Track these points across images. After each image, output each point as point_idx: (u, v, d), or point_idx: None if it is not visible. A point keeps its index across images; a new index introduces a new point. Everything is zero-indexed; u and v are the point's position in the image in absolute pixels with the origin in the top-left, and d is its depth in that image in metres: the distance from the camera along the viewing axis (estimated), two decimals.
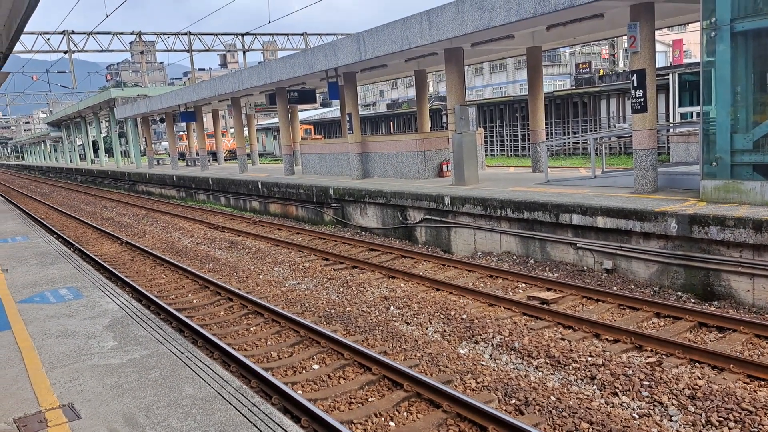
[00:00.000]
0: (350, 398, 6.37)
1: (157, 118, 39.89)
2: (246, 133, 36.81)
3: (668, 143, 19.57)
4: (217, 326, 9.15)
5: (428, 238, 14.31)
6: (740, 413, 5.44)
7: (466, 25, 12.78)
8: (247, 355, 7.61)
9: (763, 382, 6.12)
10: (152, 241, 17.41)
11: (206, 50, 41.18)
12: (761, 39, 9.29)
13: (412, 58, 17.84)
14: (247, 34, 42.90)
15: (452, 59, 15.09)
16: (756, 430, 5.18)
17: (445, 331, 8.24)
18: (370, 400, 6.31)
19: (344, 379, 6.88)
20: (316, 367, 7.28)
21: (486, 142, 34.01)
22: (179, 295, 11.12)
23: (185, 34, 40.73)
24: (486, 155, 32.20)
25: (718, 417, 5.44)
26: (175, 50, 40.72)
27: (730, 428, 5.28)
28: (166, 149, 68.34)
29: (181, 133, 55.35)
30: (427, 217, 14.18)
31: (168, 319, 9.32)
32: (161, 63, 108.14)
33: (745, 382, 6.16)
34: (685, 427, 5.39)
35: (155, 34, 40.62)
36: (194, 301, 10.60)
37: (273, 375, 6.88)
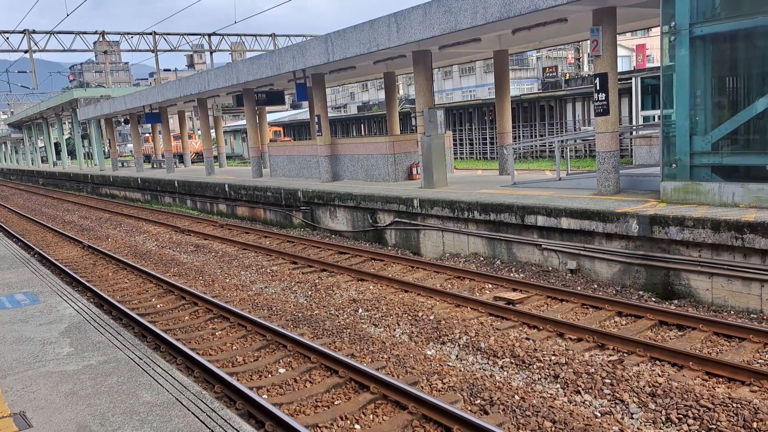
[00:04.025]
0: (316, 402, 6.32)
1: (122, 120, 39.13)
2: (213, 134, 36.38)
3: (631, 146, 19.97)
4: (181, 331, 8.98)
5: (398, 240, 14.31)
6: (699, 410, 5.54)
7: (433, 28, 12.83)
8: (212, 360, 7.49)
9: (721, 379, 6.26)
10: (115, 244, 17.05)
11: (172, 50, 40.60)
12: (719, 43, 9.53)
13: (380, 60, 17.85)
14: (214, 34, 42.43)
15: (420, 62, 15.14)
16: (714, 426, 5.28)
17: (412, 332, 8.23)
18: (336, 403, 6.26)
19: (310, 382, 6.82)
20: (282, 371, 7.20)
21: (455, 145, 34.23)
22: (142, 299, 10.89)
23: (150, 34, 40.07)
24: (455, 158, 32.42)
25: (678, 414, 5.53)
26: (140, 50, 40.02)
27: (689, 425, 5.37)
28: (131, 151, 67.11)
29: (147, 134, 54.41)
30: (397, 219, 14.18)
31: (130, 325, 9.12)
32: (126, 63, 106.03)
33: (703, 379, 6.28)
34: (645, 425, 5.47)
35: (119, 33, 39.88)
36: (158, 306, 10.40)
37: (237, 380, 6.77)
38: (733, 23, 9.16)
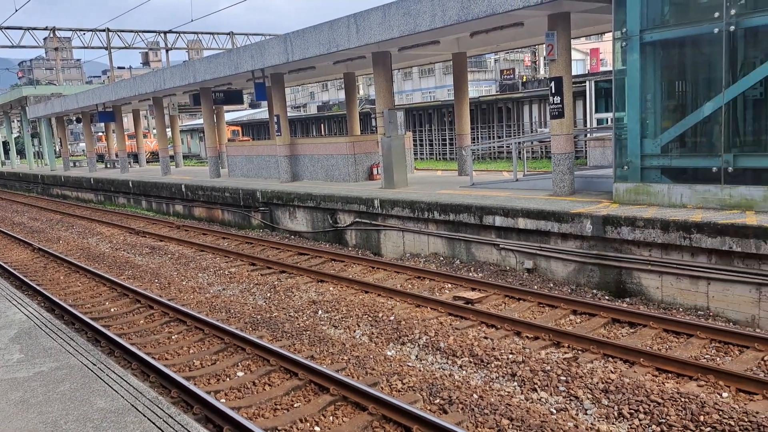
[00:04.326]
0: (275, 405, 6.28)
1: (73, 118, 38.00)
2: (169, 134, 35.69)
3: (586, 147, 20.47)
4: (136, 335, 8.80)
5: (358, 240, 14.32)
6: (649, 405, 5.72)
7: (393, 29, 12.89)
8: (168, 365, 7.36)
9: (670, 375, 6.48)
10: (67, 247, 16.56)
11: (126, 48, 39.66)
12: (668, 49, 9.86)
13: (340, 61, 17.83)
14: (170, 32, 41.64)
15: (380, 63, 15.19)
16: (663, 420, 5.47)
17: (372, 333, 8.26)
18: (295, 405, 6.24)
19: (270, 385, 6.77)
20: (240, 374, 7.13)
21: (415, 145, 34.43)
22: (96, 303, 10.62)
23: (103, 30, 39.05)
24: (415, 158, 32.61)
25: (629, 409, 5.70)
26: (93, 47, 38.97)
27: (640, 420, 5.55)
28: (83, 151, 65.23)
29: (100, 133, 52.95)
30: (358, 220, 14.19)
31: (83, 329, 8.88)
32: (78, 60, 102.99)
33: (654, 375, 6.49)
34: (599, 420, 5.63)
35: (71, 30, 38.76)
36: (112, 310, 10.16)
37: (195, 384, 6.68)
38: (681, 30, 9.50)
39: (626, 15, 9.81)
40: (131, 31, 40.39)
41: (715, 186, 9.10)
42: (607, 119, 18.53)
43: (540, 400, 6.07)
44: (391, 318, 8.66)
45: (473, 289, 9.90)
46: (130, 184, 25.57)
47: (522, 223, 10.48)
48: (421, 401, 6.11)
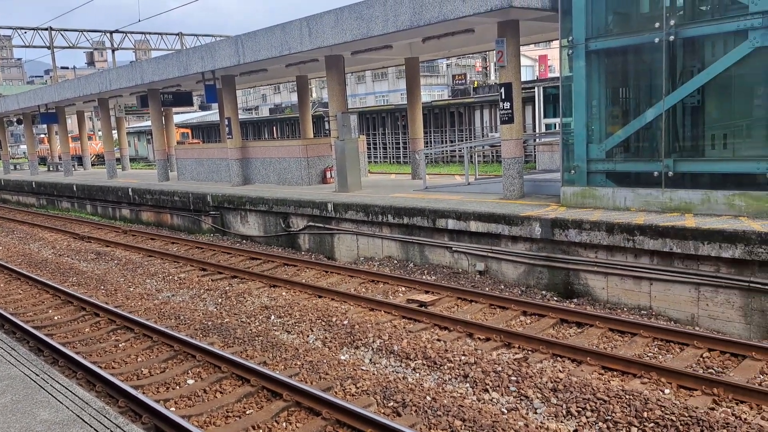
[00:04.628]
0: (227, 412, 6.19)
1: (14, 120, 36.50)
2: (116, 136, 34.73)
3: (535, 152, 20.95)
4: (81, 344, 8.52)
5: (312, 245, 14.24)
6: (596, 403, 5.90)
7: (346, 33, 12.91)
8: (115, 374, 7.15)
9: (615, 373, 6.70)
10: (7, 253, 15.89)
11: (70, 47, 38.39)
12: (612, 57, 10.21)
13: (292, 64, 17.71)
14: (116, 31, 40.54)
15: (333, 66, 15.17)
16: (609, 417, 5.65)
17: (326, 338, 8.23)
18: (248, 412, 6.17)
19: (221, 392, 6.67)
20: (191, 381, 7.00)
21: (369, 149, 34.49)
22: (38, 311, 10.23)
23: (46, 29, 37.70)
24: (369, 162, 32.67)
25: (577, 407, 5.87)
26: (35, 46, 37.57)
27: (587, 417, 5.72)
28: (24, 153, 62.71)
29: (42, 135, 51.00)
30: (311, 224, 14.11)
31: (24, 339, 8.55)
32: (19, 59, 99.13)
33: (600, 374, 6.70)
34: (548, 419, 5.76)
35: (11, 28, 37.26)
36: (55, 318, 9.81)
37: (143, 393, 6.51)
38: (624, 39, 9.85)
39: (572, 24, 10.11)
40: (75, 30, 39.13)
41: (656, 190, 9.45)
42: (555, 124, 19.02)
43: (492, 400, 6.18)
44: (345, 322, 8.65)
45: (427, 292, 9.99)
46: (75, 188, 24.74)
47: (474, 226, 10.64)
48: (375, 405, 6.13)
